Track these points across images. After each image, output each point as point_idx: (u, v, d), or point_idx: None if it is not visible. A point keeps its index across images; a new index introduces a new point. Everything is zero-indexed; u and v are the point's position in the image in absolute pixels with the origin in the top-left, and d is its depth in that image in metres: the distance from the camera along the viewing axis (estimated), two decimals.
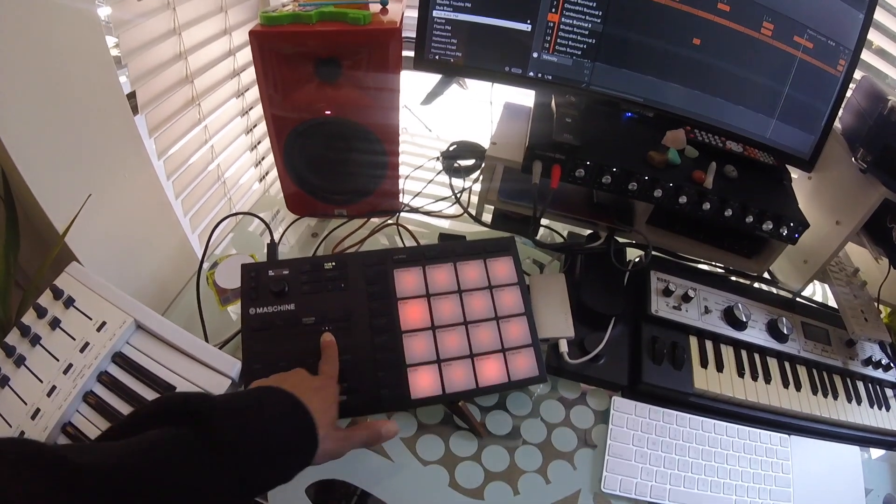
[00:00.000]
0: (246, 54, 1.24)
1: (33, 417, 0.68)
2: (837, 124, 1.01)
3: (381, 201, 1.12)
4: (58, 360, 0.72)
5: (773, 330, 0.94)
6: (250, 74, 1.29)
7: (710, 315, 0.94)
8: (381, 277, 0.82)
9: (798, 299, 1.06)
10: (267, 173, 1.52)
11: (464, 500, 0.75)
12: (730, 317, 0.94)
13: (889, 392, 0.97)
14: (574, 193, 1.06)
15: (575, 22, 0.92)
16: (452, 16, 0.94)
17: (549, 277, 0.96)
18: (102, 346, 0.73)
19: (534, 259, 1.11)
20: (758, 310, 0.97)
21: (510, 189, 1.03)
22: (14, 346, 0.72)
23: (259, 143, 1.44)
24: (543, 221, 1.07)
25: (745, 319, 0.92)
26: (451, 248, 0.87)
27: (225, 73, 1.22)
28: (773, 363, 0.93)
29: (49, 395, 0.70)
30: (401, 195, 1.15)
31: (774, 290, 1.08)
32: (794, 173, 1.03)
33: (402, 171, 1.13)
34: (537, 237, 0.98)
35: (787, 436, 0.87)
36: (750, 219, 0.88)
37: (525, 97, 1.06)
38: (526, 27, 0.93)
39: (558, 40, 0.93)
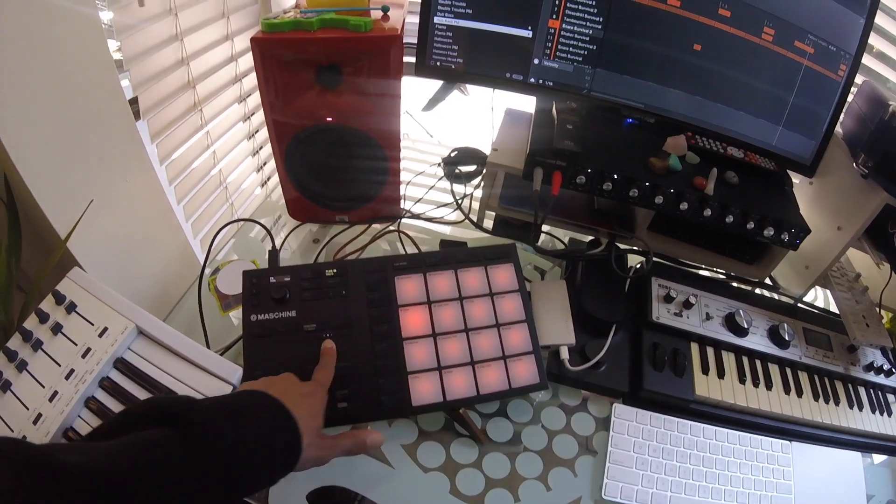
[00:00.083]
0: (248, 60, 1.25)
1: (35, 422, 0.68)
2: (838, 129, 1.01)
3: (383, 207, 1.12)
4: (59, 365, 0.72)
5: (774, 336, 0.94)
6: (252, 80, 1.29)
7: (712, 321, 0.94)
8: (382, 284, 0.83)
9: (799, 305, 1.06)
10: (269, 178, 1.52)
11: None
12: (731, 323, 0.94)
13: (891, 398, 0.97)
14: (575, 200, 1.06)
15: (576, 28, 0.92)
16: (454, 22, 0.94)
17: (551, 284, 0.96)
18: (104, 352, 0.73)
19: (535, 265, 1.11)
20: (759, 316, 0.97)
21: (511, 195, 1.03)
22: (16, 351, 0.72)
23: (261, 148, 1.44)
24: (544, 228, 1.07)
25: (746, 326, 0.92)
26: (451, 255, 0.87)
27: (227, 79, 1.22)
28: (774, 369, 0.93)
29: (51, 400, 0.69)
30: (402, 201, 1.16)
31: (776, 296, 1.08)
32: (796, 178, 1.03)
33: (404, 177, 1.13)
34: (538, 243, 0.98)
35: (788, 442, 0.87)
36: (751, 225, 0.88)
37: (526, 103, 1.06)
38: (527, 33, 0.93)
39: (559, 46, 0.93)
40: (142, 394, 0.72)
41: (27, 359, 0.72)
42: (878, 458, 0.94)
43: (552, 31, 0.92)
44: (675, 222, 0.98)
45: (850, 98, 0.98)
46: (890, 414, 0.94)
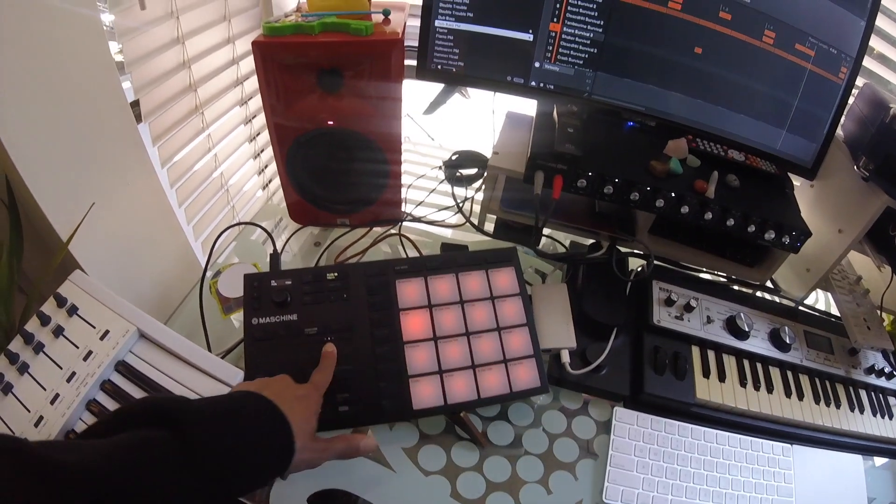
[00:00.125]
0: (249, 63, 1.25)
1: (36, 425, 0.68)
2: (839, 132, 1.01)
3: (384, 210, 1.13)
4: (61, 367, 0.72)
5: (775, 339, 0.94)
6: (253, 83, 1.29)
7: (713, 325, 0.94)
8: (383, 288, 0.83)
9: (800, 308, 1.06)
10: (270, 181, 1.52)
11: None
12: (732, 326, 0.94)
13: (892, 400, 0.97)
14: (576, 203, 1.06)
15: (576, 31, 0.92)
16: (455, 26, 0.94)
17: (551, 287, 0.96)
18: (105, 355, 0.73)
19: (536, 269, 1.11)
20: (760, 319, 0.97)
21: (512, 199, 1.03)
22: (17, 354, 0.72)
23: (262, 151, 1.44)
24: (545, 231, 1.07)
25: (747, 329, 0.92)
26: (452, 259, 0.87)
27: (228, 82, 1.22)
28: (775, 373, 0.93)
29: (52, 402, 0.70)
30: (403, 204, 1.16)
31: (777, 299, 1.08)
32: (796, 181, 1.03)
33: (405, 180, 1.13)
34: (539, 247, 0.98)
35: (789, 445, 0.87)
36: (752, 228, 0.88)
37: (527, 106, 1.07)
38: (528, 37, 0.93)
39: (560, 50, 0.94)
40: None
41: (29, 361, 0.72)
42: (880, 461, 0.94)
43: (553, 34, 0.93)
44: (676, 225, 0.98)
45: (851, 100, 0.99)
46: (891, 417, 0.94)
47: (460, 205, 1.16)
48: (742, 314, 0.94)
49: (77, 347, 0.74)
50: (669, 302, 0.94)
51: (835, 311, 1.05)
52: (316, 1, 0.94)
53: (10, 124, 0.69)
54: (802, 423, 0.89)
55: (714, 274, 1.08)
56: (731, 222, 0.88)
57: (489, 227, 1.12)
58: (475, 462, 0.79)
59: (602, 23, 0.91)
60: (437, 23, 0.94)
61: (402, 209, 1.16)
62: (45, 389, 0.71)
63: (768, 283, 1.06)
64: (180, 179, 1.09)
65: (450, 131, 1.50)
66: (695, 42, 0.92)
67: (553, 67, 0.95)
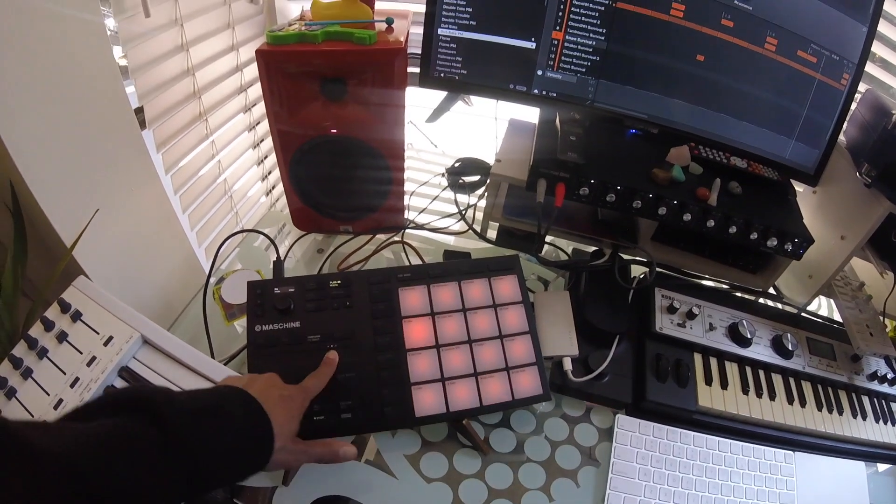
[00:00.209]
0: (253, 70, 1.25)
1: None
2: (842, 138, 1.01)
3: (387, 217, 1.13)
4: (65, 373, 0.73)
5: (777, 346, 0.94)
6: (257, 90, 1.30)
7: (715, 332, 0.94)
8: (386, 296, 0.83)
9: (803, 315, 1.06)
10: (273, 188, 1.53)
11: None
12: (734, 333, 0.94)
13: (895, 406, 0.97)
14: (578, 210, 1.06)
15: (579, 39, 0.92)
16: (457, 34, 0.94)
17: (554, 295, 0.96)
18: (109, 361, 0.74)
19: (538, 276, 1.11)
20: (762, 326, 0.97)
21: (515, 206, 1.03)
22: (21, 359, 0.73)
23: (266, 157, 1.45)
24: (548, 238, 1.08)
25: (749, 336, 0.92)
26: (455, 267, 0.87)
27: (232, 89, 1.23)
28: (777, 379, 0.93)
29: (56, 407, 0.70)
30: (406, 212, 1.16)
31: (779, 306, 1.08)
32: (799, 188, 1.03)
33: (408, 187, 1.14)
34: (542, 254, 0.98)
35: (791, 452, 0.87)
36: (755, 235, 0.88)
37: (530, 113, 1.07)
38: (530, 45, 0.94)
39: (562, 58, 0.94)
40: None
41: (32, 366, 0.73)
42: (882, 468, 0.94)
43: (556, 42, 0.93)
44: (678, 233, 0.99)
45: (853, 107, 0.99)
46: (894, 423, 0.94)
47: (463, 212, 1.16)
48: (744, 321, 0.94)
49: (80, 353, 0.75)
50: (672, 309, 0.94)
51: (837, 317, 1.05)
52: (319, 9, 0.95)
53: (15, 130, 0.70)
54: (805, 429, 0.88)
55: (716, 281, 1.07)
56: (733, 229, 0.88)
57: (492, 234, 1.12)
58: (477, 469, 0.79)
59: (604, 31, 0.91)
60: (439, 31, 0.95)
61: (405, 216, 1.16)
62: (48, 394, 0.71)
63: (771, 290, 1.06)
64: (184, 186, 1.09)
65: (452, 139, 1.50)
66: (697, 49, 0.92)
67: (555, 75, 0.95)
